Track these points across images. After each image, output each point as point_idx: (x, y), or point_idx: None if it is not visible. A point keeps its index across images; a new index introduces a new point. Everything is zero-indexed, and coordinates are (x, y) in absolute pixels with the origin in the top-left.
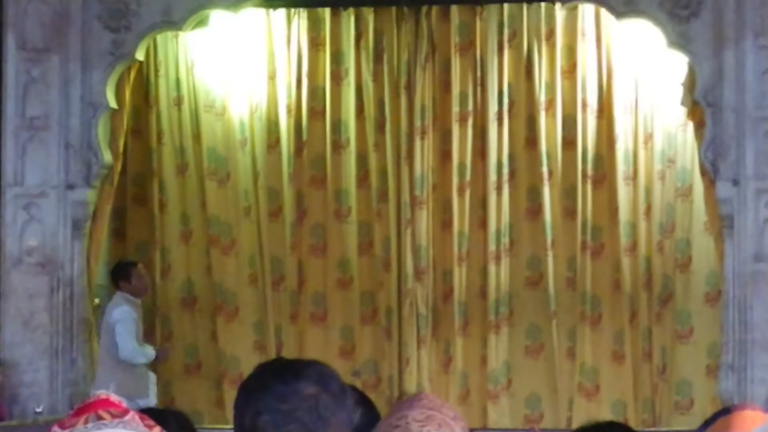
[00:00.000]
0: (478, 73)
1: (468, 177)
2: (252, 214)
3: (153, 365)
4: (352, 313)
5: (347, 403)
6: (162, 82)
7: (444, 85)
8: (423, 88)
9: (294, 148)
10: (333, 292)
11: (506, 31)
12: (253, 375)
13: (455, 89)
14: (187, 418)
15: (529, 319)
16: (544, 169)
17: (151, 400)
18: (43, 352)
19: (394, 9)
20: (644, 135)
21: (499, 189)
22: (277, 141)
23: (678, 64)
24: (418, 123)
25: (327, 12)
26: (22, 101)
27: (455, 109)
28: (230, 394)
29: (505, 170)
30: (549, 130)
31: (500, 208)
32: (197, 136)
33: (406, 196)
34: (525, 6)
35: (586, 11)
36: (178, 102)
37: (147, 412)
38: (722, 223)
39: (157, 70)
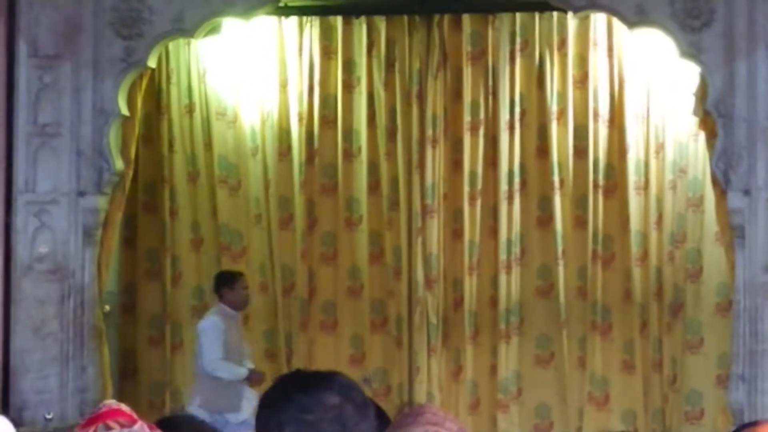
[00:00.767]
0: (490, 82)
1: (479, 186)
2: (263, 222)
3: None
4: (362, 321)
5: (370, 414)
6: (174, 89)
7: (455, 94)
8: (434, 97)
9: (305, 156)
10: (343, 301)
11: (518, 40)
12: (274, 387)
13: (467, 98)
14: (203, 424)
15: (539, 328)
16: (555, 179)
17: (243, 415)
18: (53, 359)
19: (406, 18)
20: (656, 145)
21: (510, 198)
22: (289, 149)
23: (690, 74)
24: (429, 132)
25: (339, 20)
26: (34, 108)
27: (467, 118)
28: None
29: (517, 179)
30: (560, 139)
31: (511, 218)
32: (209, 144)
33: (417, 205)
34: (537, 15)
35: (598, 21)
36: (190, 110)
37: (163, 421)
38: (733, 234)
39: (168, 78)
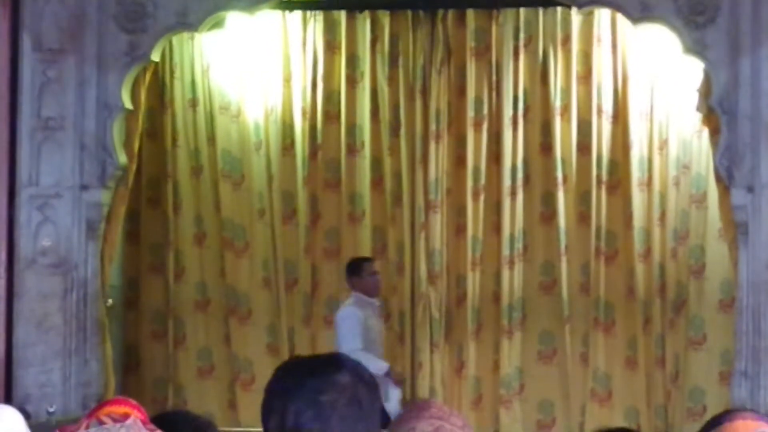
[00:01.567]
0: (494, 78)
1: (482, 182)
2: (266, 216)
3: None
4: None
5: (379, 394)
6: (177, 84)
7: (459, 89)
8: (438, 92)
9: (308, 151)
10: (346, 297)
11: (522, 36)
12: (280, 375)
13: (470, 94)
14: (199, 419)
15: (542, 324)
16: (559, 175)
17: (392, 406)
18: (56, 353)
19: (410, 13)
20: (659, 141)
21: (513, 194)
22: (292, 144)
23: (694, 70)
24: (433, 127)
25: (343, 15)
26: (38, 102)
27: (470, 113)
28: (243, 397)
29: (520, 175)
30: (564, 135)
31: (514, 213)
32: (212, 139)
33: (420, 201)
34: (541, 11)
35: (602, 17)
36: (193, 104)
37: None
38: (737, 230)
39: (172, 72)
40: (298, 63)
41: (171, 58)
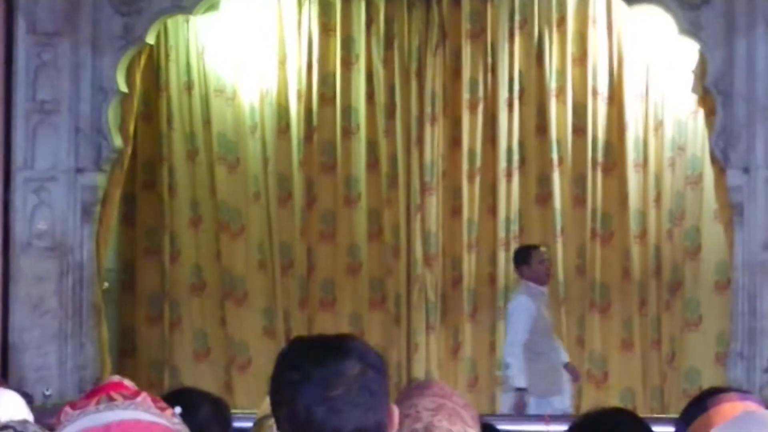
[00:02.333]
0: (489, 60)
1: (478, 164)
2: (262, 199)
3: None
4: (361, 299)
5: (387, 373)
6: (172, 66)
7: (454, 71)
8: (433, 74)
9: (304, 133)
10: (342, 278)
11: (517, 17)
12: (285, 366)
13: (466, 76)
14: (224, 404)
15: None
16: (554, 157)
17: (566, 401)
18: (52, 337)
19: None
20: (655, 122)
21: (508, 176)
22: (287, 127)
23: (689, 51)
24: (428, 109)
25: None
26: (33, 85)
27: (465, 95)
28: (239, 380)
29: (515, 157)
30: (559, 117)
31: (510, 195)
32: (207, 122)
33: (416, 183)
34: None
35: None
36: (189, 87)
37: (180, 393)
38: (732, 212)
39: (167, 55)
40: (293, 45)
41: (166, 41)
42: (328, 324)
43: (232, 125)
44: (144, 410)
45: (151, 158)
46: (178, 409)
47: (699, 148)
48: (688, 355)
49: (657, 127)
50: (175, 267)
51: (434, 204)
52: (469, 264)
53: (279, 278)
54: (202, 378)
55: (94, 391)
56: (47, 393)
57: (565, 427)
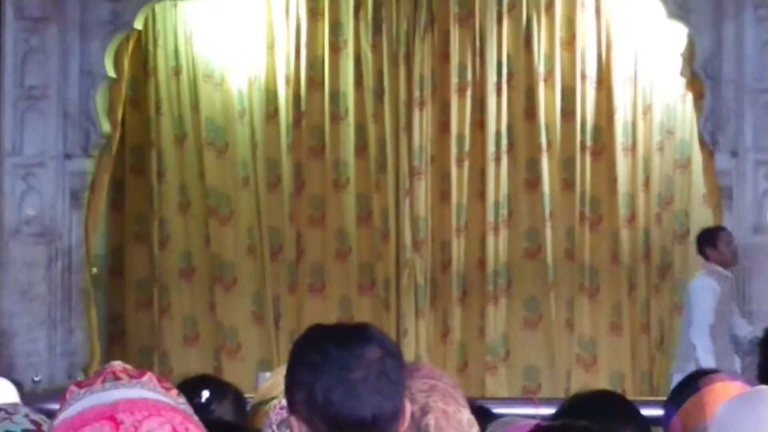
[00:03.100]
0: (477, 44)
1: (467, 148)
2: (250, 184)
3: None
4: (350, 283)
5: (404, 364)
6: (161, 51)
7: (443, 55)
8: (422, 58)
9: (293, 118)
10: (331, 263)
11: (505, 1)
12: (303, 348)
13: (454, 60)
14: (244, 397)
15: (527, 290)
16: (543, 141)
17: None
18: (41, 323)
19: None
20: (643, 106)
21: (497, 160)
22: (276, 111)
23: (677, 35)
24: (416, 94)
25: None
26: (21, 71)
27: (454, 80)
28: (228, 365)
29: (504, 141)
30: (548, 101)
31: (499, 180)
32: (196, 107)
33: (404, 167)
34: None
35: None
36: (177, 72)
37: (205, 380)
38: (721, 195)
39: (155, 40)
40: (281, 30)
41: (154, 26)
42: (318, 309)
43: (221, 110)
44: (150, 389)
45: (139, 143)
46: (206, 393)
47: (688, 131)
48: (677, 338)
49: (646, 111)
50: (164, 252)
51: (423, 188)
52: (458, 248)
53: (268, 263)
54: (192, 363)
55: (99, 373)
56: (36, 379)
57: (554, 410)
